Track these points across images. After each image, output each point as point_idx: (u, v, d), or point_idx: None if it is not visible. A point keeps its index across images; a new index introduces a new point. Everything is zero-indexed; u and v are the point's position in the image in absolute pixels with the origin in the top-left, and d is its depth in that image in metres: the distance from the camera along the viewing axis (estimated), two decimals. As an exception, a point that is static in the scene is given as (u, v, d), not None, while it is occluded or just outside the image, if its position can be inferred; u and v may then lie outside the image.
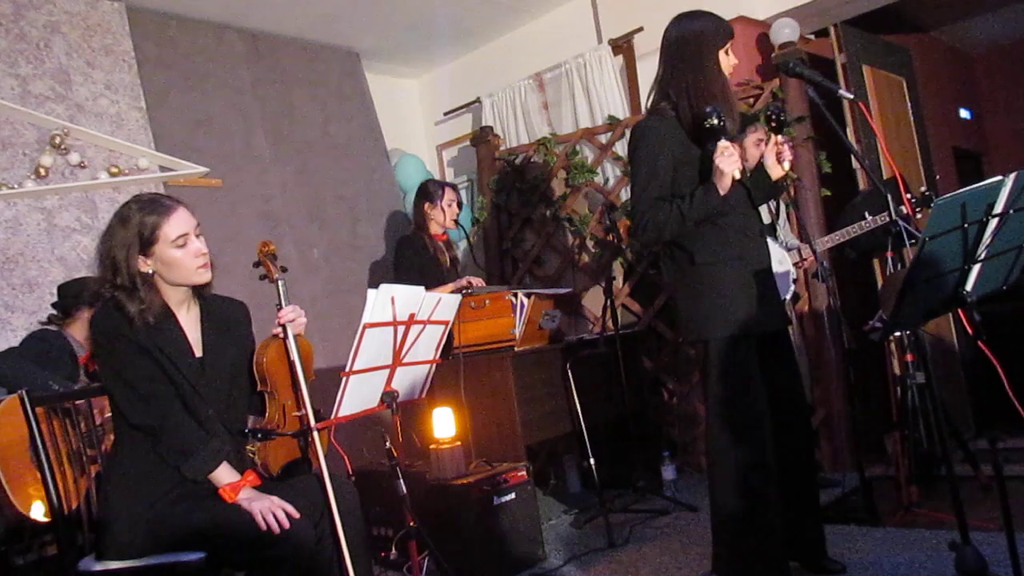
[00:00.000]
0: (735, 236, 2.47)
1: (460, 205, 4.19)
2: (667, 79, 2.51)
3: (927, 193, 3.32)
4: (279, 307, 2.19)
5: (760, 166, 2.61)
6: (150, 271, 2.05)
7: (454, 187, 4.22)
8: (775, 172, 2.56)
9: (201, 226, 2.12)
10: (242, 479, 2.04)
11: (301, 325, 2.20)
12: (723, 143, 2.33)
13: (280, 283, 2.24)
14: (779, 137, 2.52)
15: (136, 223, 2.02)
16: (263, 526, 1.91)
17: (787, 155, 2.53)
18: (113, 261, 2.02)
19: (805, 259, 3.87)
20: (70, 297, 3.13)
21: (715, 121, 2.31)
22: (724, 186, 2.35)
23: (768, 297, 2.51)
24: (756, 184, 2.59)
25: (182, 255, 2.05)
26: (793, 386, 2.62)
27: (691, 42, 2.46)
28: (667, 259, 2.62)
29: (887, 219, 3.45)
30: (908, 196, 3.26)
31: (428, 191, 4.11)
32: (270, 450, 2.20)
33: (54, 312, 3.17)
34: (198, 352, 2.13)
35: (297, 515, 1.96)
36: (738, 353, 2.41)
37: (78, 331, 3.09)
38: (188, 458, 1.99)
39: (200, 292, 2.18)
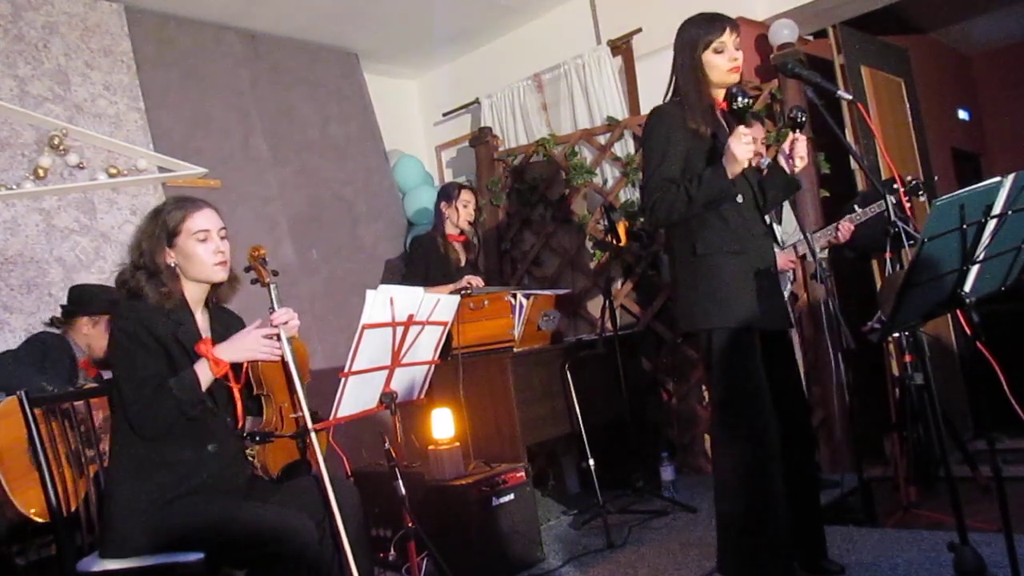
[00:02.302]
0: (739, 231, 2.47)
1: (479, 209, 4.21)
2: (675, 77, 2.60)
3: (914, 182, 3.31)
4: (272, 310, 2.23)
5: (776, 162, 2.63)
6: (173, 263, 2.15)
7: (473, 190, 4.24)
8: (787, 167, 2.58)
9: (227, 231, 2.23)
10: (206, 357, 2.07)
11: (294, 327, 2.24)
12: (741, 128, 2.34)
13: (272, 287, 2.27)
14: (797, 134, 2.52)
15: (165, 215, 2.16)
16: (275, 357, 2.10)
17: (800, 151, 2.53)
18: (140, 249, 2.15)
19: (800, 254, 3.83)
20: (74, 303, 3.14)
21: (740, 103, 2.33)
22: (733, 171, 2.36)
23: (770, 296, 2.51)
24: (772, 180, 2.60)
25: (201, 250, 2.15)
26: (794, 387, 2.62)
27: (679, 47, 2.54)
28: (668, 250, 2.63)
29: (875, 211, 3.46)
30: (904, 192, 3.26)
31: (446, 191, 4.18)
32: (269, 452, 2.21)
33: (57, 315, 3.17)
34: None
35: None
36: (740, 344, 2.41)
37: (78, 337, 3.09)
38: (177, 402, 2.01)
39: (212, 300, 2.27)
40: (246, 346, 2.10)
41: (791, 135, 2.53)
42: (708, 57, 2.48)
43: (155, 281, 2.11)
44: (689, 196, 2.38)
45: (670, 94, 2.61)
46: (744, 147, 2.33)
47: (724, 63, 2.48)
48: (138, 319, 2.06)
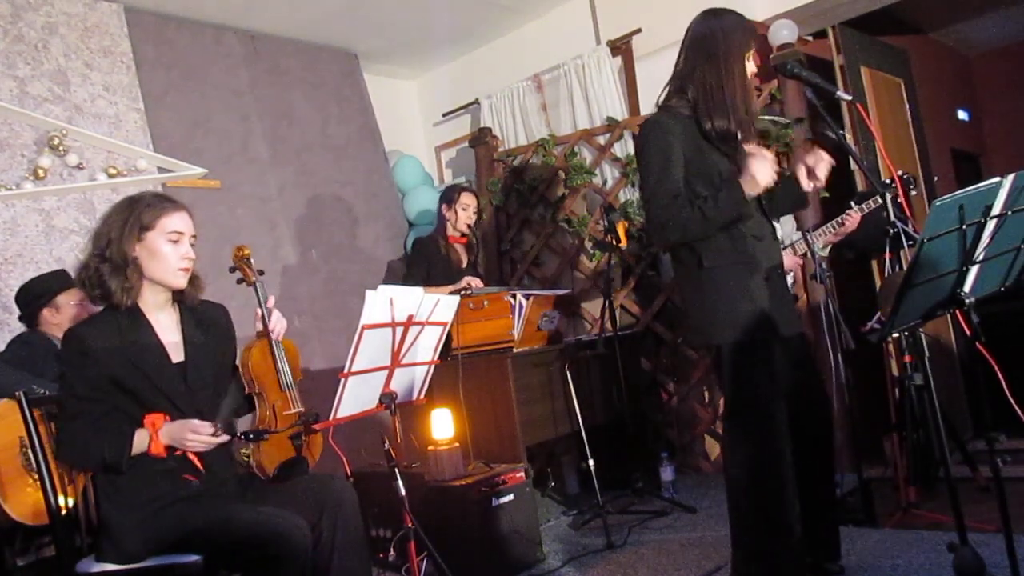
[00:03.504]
0: (746, 239, 2.42)
1: (479, 213, 4.22)
2: (688, 74, 2.46)
3: (905, 176, 3.29)
4: (261, 309, 2.26)
5: (790, 176, 2.58)
6: (136, 256, 2.09)
7: (474, 192, 4.25)
8: (805, 184, 2.51)
9: (197, 239, 2.18)
10: (152, 432, 2.00)
11: (282, 330, 2.30)
12: (767, 152, 2.29)
13: (258, 286, 2.29)
14: (824, 153, 2.47)
15: (141, 207, 2.10)
16: (203, 448, 1.99)
17: (822, 171, 2.46)
18: (108, 237, 2.08)
19: (800, 253, 3.83)
20: (26, 306, 3.14)
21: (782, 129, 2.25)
22: (751, 192, 2.31)
23: (780, 301, 2.47)
24: (785, 193, 2.56)
25: (170, 251, 2.09)
26: (814, 390, 2.58)
27: (719, 40, 2.41)
28: (674, 261, 2.58)
29: (872, 206, 3.46)
30: (901, 182, 3.24)
31: (447, 193, 4.21)
32: (264, 451, 2.21)
33: (22, 326, 3.17)
34: (178, 357, 2.14)
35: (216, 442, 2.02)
36: (750, 355, 2.38)
37: (52, 331, 3.08)
38: (102, 456, 1.98)
39: (181, 298, 2.21)
40: (181, 439, 2.00)
41: (817, 151, 2.46)
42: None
43: (119, 276, 2.05)
44: (705, 216, 2.32)
45: (664, 95, 2.53)
46: (769, 172, 2.28)
47: (749, 73, 2.46)
48: (83, 351, 2.00)
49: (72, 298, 3.11)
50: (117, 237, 2.07)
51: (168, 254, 2.09)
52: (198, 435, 1.98)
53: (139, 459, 2.02)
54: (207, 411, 2.14)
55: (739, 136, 2.39)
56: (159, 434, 2.00)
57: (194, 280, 2.20)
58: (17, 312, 3.18)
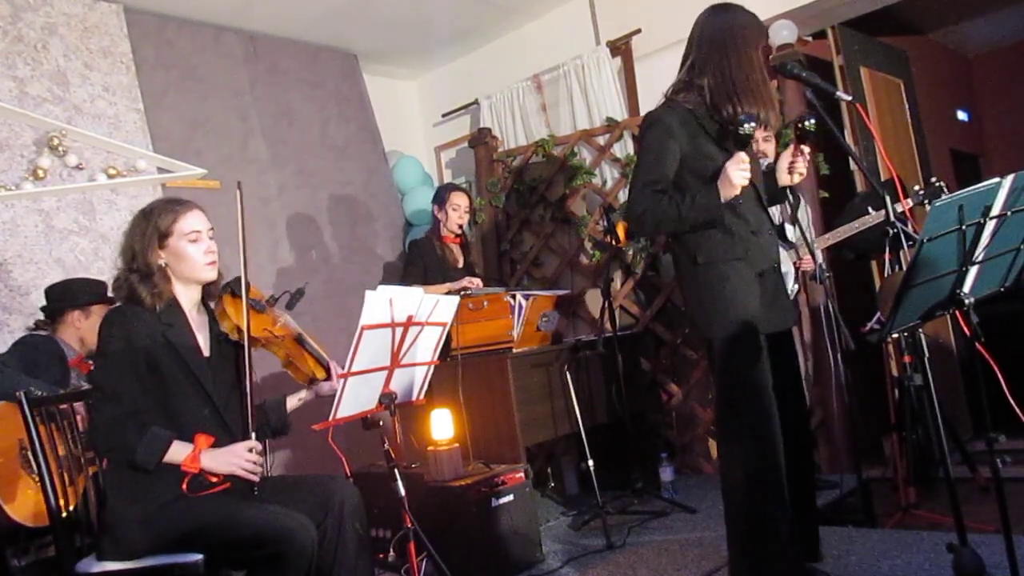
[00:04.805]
0: (742, 235, 2.43)
1: (471, 212, 4.22)
2: (703, 64, 2.45)
3: (938, 185, 3.25)
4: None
5: (770, 170, 2.59)
6: (163, 263, 2.19)
7: (465, 192, 4.25)
8: (783, 179, 2.54)
9: (215, 231, 2.29)
10: (195, 448, 2.07)
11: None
12: (741, 154, 2.30)
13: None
14: (803, 147, 2.48)
15: (156, 216, 2.20)
16: (249, 476, 2.09)
17: (800, 167, 2.49)
18: (132, 251, 2.19)
19: (802, 259, 3.84)
20: (57, 300, 3.12)
21: (747, 129, 2.30)
22: (727, 196, 2.33)
23: (775, 297, 2.49)
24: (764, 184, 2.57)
25: (193, 249, 2.20)
26: (794, 387, 2.60)
27: (735, 33, 2.41)
28: (672, 257, 2.61)
29: (869, 224, 3.46)
30: (917, 188, 3.24)
31: (438, 193, 4.22)
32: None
33: (41, 317, 3.16)
34: (206, 352, 2.24)
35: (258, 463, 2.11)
36: (743, 350, 2.39)
37: (68, 334, 3.07)
38: (134, 451, 2.01)
39: (210, 291, 2.32)
40: (230, 460, 2.08)
41: (793, 146, 2.49)
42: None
43: (148, 283, 2.14)
44: (679, 214, 2.35)
45: (670, 89, 2.53)
46: (742, 174, 2.29)
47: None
48: (125, 329, 2.08)
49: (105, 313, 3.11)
50: (141, 249, 2.17)
51: (192, 253, 2.20)
52: (239, 456, 2.09)
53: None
54: (224, 407, 2.22)
55: (762, 124, 2.38)
56: (200, 454, 2.06)
57: (220, 279, 2.32)
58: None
